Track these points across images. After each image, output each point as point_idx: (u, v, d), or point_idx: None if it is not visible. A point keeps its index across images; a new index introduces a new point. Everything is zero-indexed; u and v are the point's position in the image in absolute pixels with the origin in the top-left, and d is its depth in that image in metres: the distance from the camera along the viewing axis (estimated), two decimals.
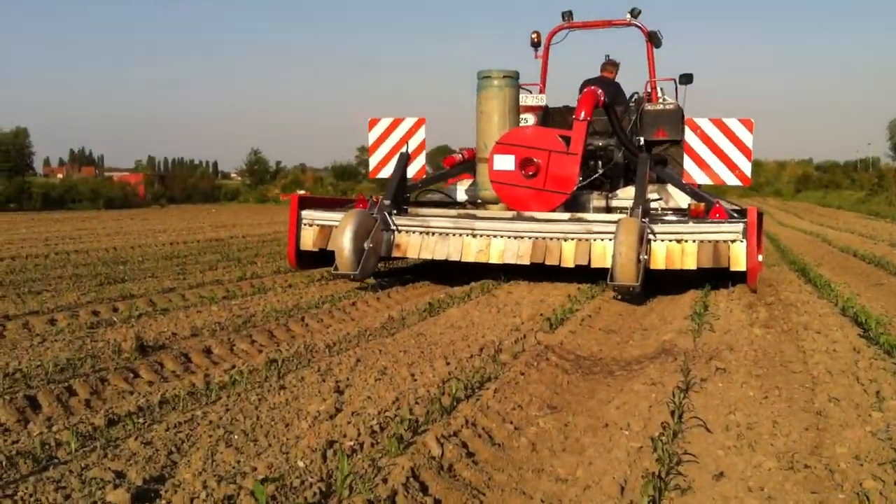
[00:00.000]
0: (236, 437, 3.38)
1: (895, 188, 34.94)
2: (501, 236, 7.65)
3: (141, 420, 3.60)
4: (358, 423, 3.46)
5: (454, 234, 7.79)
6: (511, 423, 3.64)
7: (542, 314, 6.35)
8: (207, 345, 5.08)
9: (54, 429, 3.42)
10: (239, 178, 71.49)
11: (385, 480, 2.84)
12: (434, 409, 3.67)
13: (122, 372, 4.35)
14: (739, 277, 7.40)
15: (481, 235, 7.70)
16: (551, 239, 7.52)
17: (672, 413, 3.57)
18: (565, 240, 7.48)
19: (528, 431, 3.57)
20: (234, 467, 3.03)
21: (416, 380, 4.32)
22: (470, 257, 7.70)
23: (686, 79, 10.97)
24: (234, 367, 4.59)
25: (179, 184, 53.22)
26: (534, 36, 11.31)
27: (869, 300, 7.02)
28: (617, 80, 10.65)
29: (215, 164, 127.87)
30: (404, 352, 5.01)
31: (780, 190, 66.01)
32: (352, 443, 3.25)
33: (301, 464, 3.03)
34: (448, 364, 4.67)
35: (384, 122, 9.63)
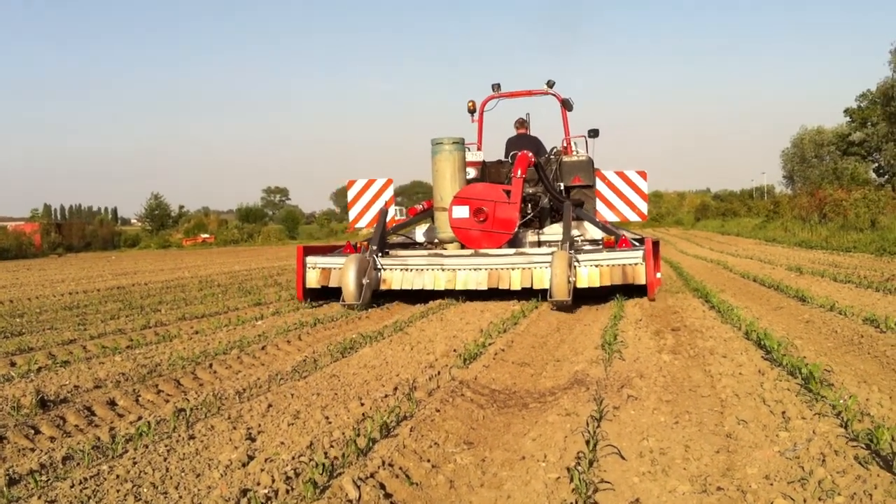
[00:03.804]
0: (145, 490, 3.26)
1: (790, 214, 36.37)
2: (464, 269, 9.72)
3: (44, 478, 3.44)
4: (271, 469, 3.38)
5: (427, 270, 9.85)
6: (428, 460, 3.61)
7: (455, 350, 6.35)
8: (112, 396, 4.90)
9: None
10: (140, 224, 70.19)
11: None
12: (350, 451, 3.62)
13: (22, 428, 4.16)
14: (643, 290, 9.44)
15: (449, 269, 9.77)
16: (502, 269, 9.58)
17: (587, 442, 3.59)
18: (513, 269, 9.53)
19: (445, 468, 3.55)
20: None
21: (330, 422, 4.26)
22: (440, 286, 9.70)
23: (594, 133, 13.34)
24: (140, 418, 4.44)
25: (77, 232, 51.85)
26: (470, 104, 13.64)
27: (770, 323, 7.24)
28: (534, 133, 13.38)
29: (115, 211, 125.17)
30: (317, 394, 4.93)
31: (681, 219, 68.30)
32: (266, 490, 3.16)
33: None
34: (363, 405, 4.61)
35: (359, 183, 12.33)
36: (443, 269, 9.81)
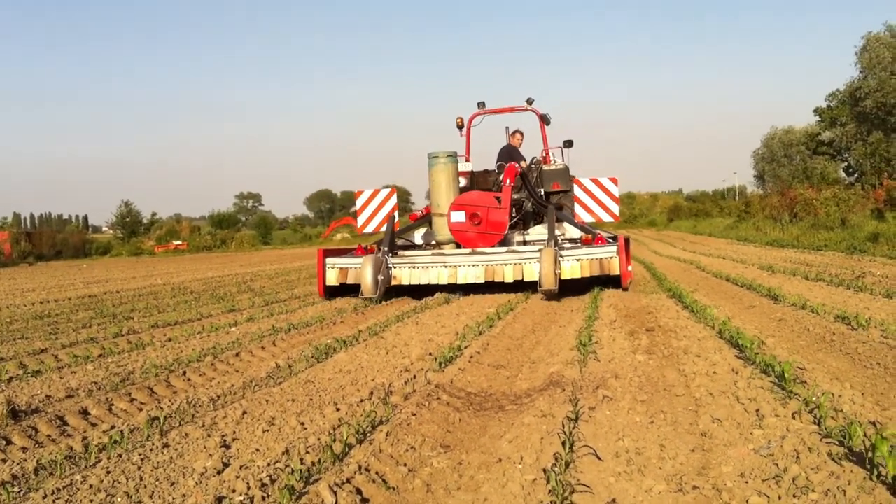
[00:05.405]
0: (119, 500, 3.22)
1: (761, 214, 36.63)
2: (464, 266, 11.20)
3: (16, 489, 3.40)
4: (247, 476, 3.35)
5: (432, 267, 11.33)
6: (405, 465, 3.59)
7: (430, 353, 6.34)
8: (84, 406, 4.85)
9: None
10: (111, 232, 69.48)
11: None
12: (326, 457, 3.60)
13: None
14: (617, 283, 10.90)
15: (451, 266, 11.24)
16: (497, 265, 11.08)
17: (563, 443, 3.59)
18: (506, 265, 11.05)
19: (422, 472, 3.54)
20: None
21: (305, 428, 4.24)
22: (444, 281, 11.17)
23: (568, 144, 14.69)
24: (113, 427, 4.40)
25: (48, 240, 51.16)
26: (458, 120, 14.87)
27: (743, 322, 7.29)
28: (522, 145, 14.36)
29: (85, 218, 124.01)
30: (292, 400, 4.91)
31: (655, 220, 68.68)
32: (241, 498, 3.14)
33: None
34: (338, 410, 4.59)
35: (366, 193, 13.78)
36: (445, 266, 11.25)
